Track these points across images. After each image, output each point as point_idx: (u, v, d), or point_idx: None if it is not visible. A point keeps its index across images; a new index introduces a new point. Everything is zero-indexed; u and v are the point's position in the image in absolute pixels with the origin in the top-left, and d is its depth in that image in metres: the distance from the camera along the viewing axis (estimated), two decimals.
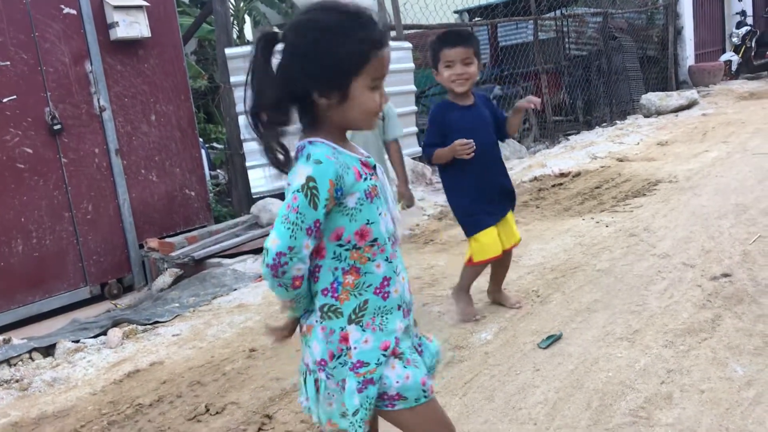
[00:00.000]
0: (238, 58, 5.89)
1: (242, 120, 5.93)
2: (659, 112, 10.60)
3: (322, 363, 1.48)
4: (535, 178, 6.91)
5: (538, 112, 10.31)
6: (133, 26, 5.14)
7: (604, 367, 2.71)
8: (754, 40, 13.91)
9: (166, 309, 4.27)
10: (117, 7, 5.03)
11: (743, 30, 14.04)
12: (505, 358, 2.93)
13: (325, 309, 1.49)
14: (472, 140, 3.15)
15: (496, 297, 3.61)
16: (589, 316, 3.26)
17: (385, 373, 1.46)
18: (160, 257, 5.25)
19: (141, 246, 5.30)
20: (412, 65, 7.81)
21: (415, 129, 7.82)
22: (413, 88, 7.86)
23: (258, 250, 5.18)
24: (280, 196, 5.99)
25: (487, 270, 3.52)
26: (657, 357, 2.74)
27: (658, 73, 12.47)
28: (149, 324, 4.04)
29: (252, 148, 5.98)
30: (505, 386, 2.66)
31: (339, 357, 1.47)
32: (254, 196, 6.00)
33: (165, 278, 5.02)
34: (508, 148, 8.67)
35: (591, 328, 3.13)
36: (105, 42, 5.12)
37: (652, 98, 10.91)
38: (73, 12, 4.96)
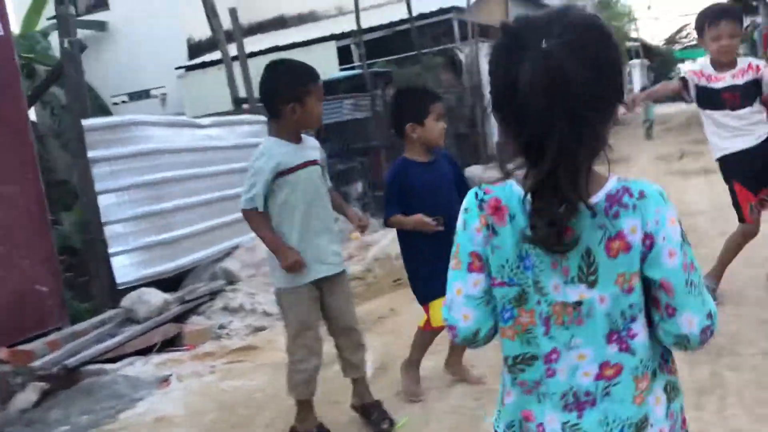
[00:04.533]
0: (98, 130, 5.12)
1: (103, 200, 5.13)
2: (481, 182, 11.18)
3: None
4: None
5: (371, 185, 10.40)
6: None
7: None
8: None
9: None
10: None
11: None
12: None
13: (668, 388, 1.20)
14: (436, 219, 2.92)
15: (456, 371, 3.34)
16: None
17: None
18: (11, 370, 4.23)
19: None
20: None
21: None
22: None
23: (144, 351, 4.40)
24: (156, 283, 5.21)
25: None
26: None
27: (470, 149, 13.28)
28: None
29: (115, 232, 5.17)
30: None
31: None
32: (120, 287, 5.15)
33: (27, 395, 4.01)
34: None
35: None
36: None
37: (474, 171, 11.50)
38: None
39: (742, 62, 3.89)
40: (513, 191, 1.17)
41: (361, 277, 5.99)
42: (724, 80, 3.83)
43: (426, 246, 2.98)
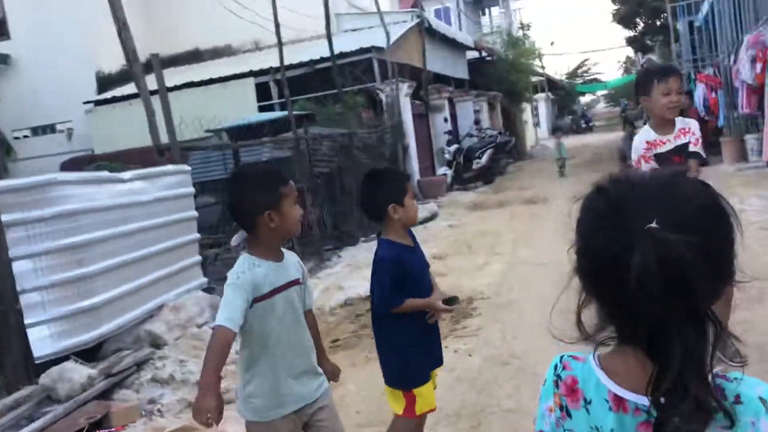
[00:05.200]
0: (12, 192, 4.74)
1: (18, 266, 4.73)
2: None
3: None
4: (346, 303, 6.64)
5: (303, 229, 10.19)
6: None
7: None
8: (462, 156, 15.74)
9: None
10: None
11: (453, 147, 15.83)
12: None
13: None
14: (446, 301, 2.93)
15: None
16: None
17: None
18: None
19: None
20: (191, 190, 7.13)
21: (198, 258, 7.08)
22: (194, 214, 7.16)
23: None
24: (81, 354, 4.84)
25: None
26: None
27: None
28: None
29: (32, 300, 4.78)
30: None
31: None
32: (37, 361, 4.74)
33: None
34: None
35: None
36: None
37: None
38: None
39: (680, 122, 3.96)
40: (592, 373, 1.06)
41: None
42: (669, 143, 3.88)
43: (418, 332, 2.93)
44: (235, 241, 9.13)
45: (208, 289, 6.99)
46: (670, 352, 0.94)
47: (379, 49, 14.15)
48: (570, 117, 46.21)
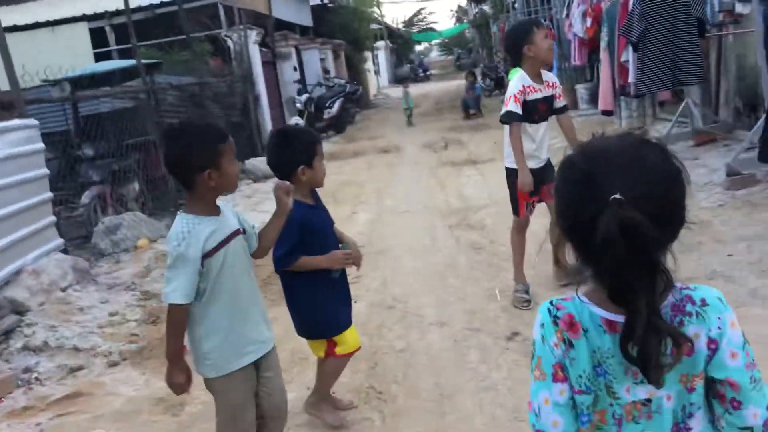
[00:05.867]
0: None
1: None
2: (266, 177, 11.11)
3: None
4: None
5: (148, 182, 9.80)
6: None
7: None
8: (313, 106, 15.70)
9: None
10: None
11: (304, 97, 15.72)
12: None
13: None
14: (347, 254, 3.05)
15: (324, 405, 3.35)
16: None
17: None
18: None
19: None
20: (41, 146, 6.62)
21: (52, 219, 6.64)
22: (45, 171, 6.68)
23: None
24: None
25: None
26: None
27: (246, 139, 13.05)
28: None
29: None
30: None
31: None
32: None
33: None
34: (144, 226, 7.99)
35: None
36: None
37: (256, 163, 11.37)
38: None
39: (545, 75, 4.34)
40: (583, 306, 1.26)
41: None
42: (540, 92, 4.24)
43: (325, 285, 3.04)
44: (86, 197, 8.65)
45: (65, 251, 6.62)
46: (636, 303, 1.15)
47: None
48: (408, 66, 47.18)
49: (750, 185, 5.87)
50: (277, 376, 2.67)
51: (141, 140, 9.58)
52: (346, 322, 3.14)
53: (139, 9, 13.24)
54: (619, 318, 1.22)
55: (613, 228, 1.11)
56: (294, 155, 2.95)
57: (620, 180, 1.16)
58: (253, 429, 2.58)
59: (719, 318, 1.24)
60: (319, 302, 3.07)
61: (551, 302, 1.31)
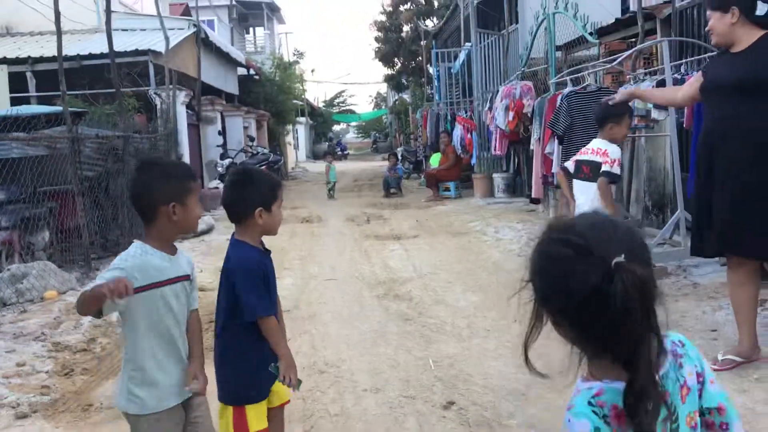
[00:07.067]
0: None
1: None
2: (185, 237, 10.84)
3: None
4: None
5: (60, 232, 9.37)
6: None
7: None
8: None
9: None
10: None
11: (227, 161, 15.62)
12: None
13: None
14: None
15: None
16: None
17: None
18: None
19: None
20: None
21: None
22: None
23: None
24: None
25: None
26: None
27: None
28: None
29: None
30: None
31: None
32: None
33: None
34: (53, 276, 7.58)
35: None
36: None
37: None
38: None
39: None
40: (617, 390, 1.24)
41: (85, 348, 5.35)
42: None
43: (256, 350, 2.80)
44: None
45: None
46: (639, 363, 1.20)
47: (156, 53, 13.57)
48: (327, 144, 47.89)
49: (662, 277, 6.24)
50: (207, 417, 2.61)
51: (57, 189, 9.20)
52: (266, 392, 2.92)
53: (66, 58, 12.94)
54: None
55: (630, 287, 1.17)
56: (254, 196, 2.78)
57: (619, 245, 1.23)
58: None
59: (695, 354, 1.36)
60: (246, 364, 2.83)
61: (589, 401, 1.26)
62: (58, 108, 9.64)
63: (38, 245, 8.80)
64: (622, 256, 1.19)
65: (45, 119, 9.79)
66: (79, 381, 4.67)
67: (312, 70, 62.52)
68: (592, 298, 1.19)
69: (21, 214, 8.40)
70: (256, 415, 2.84)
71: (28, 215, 8.54)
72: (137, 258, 2.31)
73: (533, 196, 9.73)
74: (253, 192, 2.81)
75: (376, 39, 29.54)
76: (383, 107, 53.84)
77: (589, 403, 1.24)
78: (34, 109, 10.40)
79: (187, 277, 2.46)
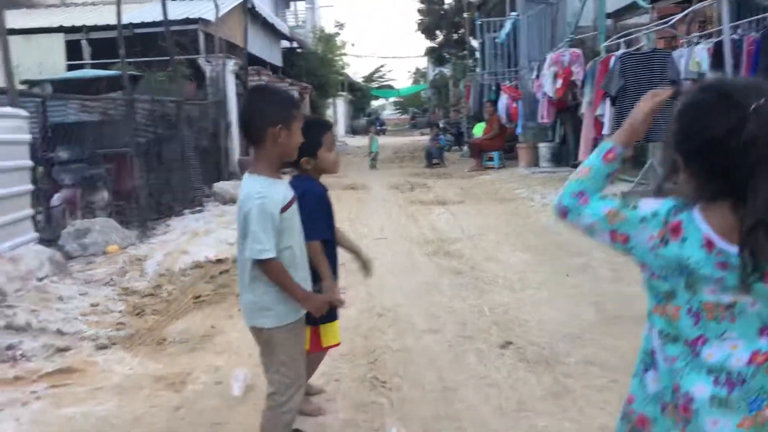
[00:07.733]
0: None
1: None
2: (233, 200, 11.12)
3: None
4: (196, 265, 6.55)
5: (120, 198, 9.73)
6: None
7: None
8: None
9: None
10: None
11: None
12: None
13: None
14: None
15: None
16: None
17: None
18: None
19: None
20: (28, 136, 6.57)
21: (30, 212, 6.55)
22: (29, 163, 6.61)
23: None
24: None
25: None
26: None
27: (213, 164, 13.06)
28: None
29: None
30: None
31: None
32: None
33: None
34: (114, 233, 7.90)
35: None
36: None
37: (225, 187, 11.40)
38: None
39: None
40: (692, 219, 1.44)
41: (152, 293, 5.62)
42: None
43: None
44: (56, 200, 8.53)
45: (42, 242, 6.52)
46: (758, 196, 1.34)
47: (205, 22, 13.82)
48: (366, 119, 47.94)
49: None
50: None
51: (114, 151, 9.55)
52: (335, 313, 3.12)
53: (122, 26, 13.26)
54: (720, 241, 1.40)
55: (762, 127, 1.31)
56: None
57: (754, 93, 1.36)
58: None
59: None
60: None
61: (674, 207, 1.47)
62: (117, 72, 9.91)
63: (98, 204, 9.13)
64: (762, 100, 1.33)
65: (94, 86, 10.13)
66: (150, 320, 4.94)
67: (352, 44, 62.23)
68: (727, 138, 1.34)
69: (82, 173, 8.73)
70: (329, 332, 3.12)
71: (89, 175, 8.86)
72: (266, 189, 2.41)
73: (581, 159, 9.73)
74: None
75: (419, 11, 29.44)
76: (422, 83, 53.58)
77: (673, 208, 1.47)
78: (94, 72, 10.71)
79: (296, 198, 2.60)
